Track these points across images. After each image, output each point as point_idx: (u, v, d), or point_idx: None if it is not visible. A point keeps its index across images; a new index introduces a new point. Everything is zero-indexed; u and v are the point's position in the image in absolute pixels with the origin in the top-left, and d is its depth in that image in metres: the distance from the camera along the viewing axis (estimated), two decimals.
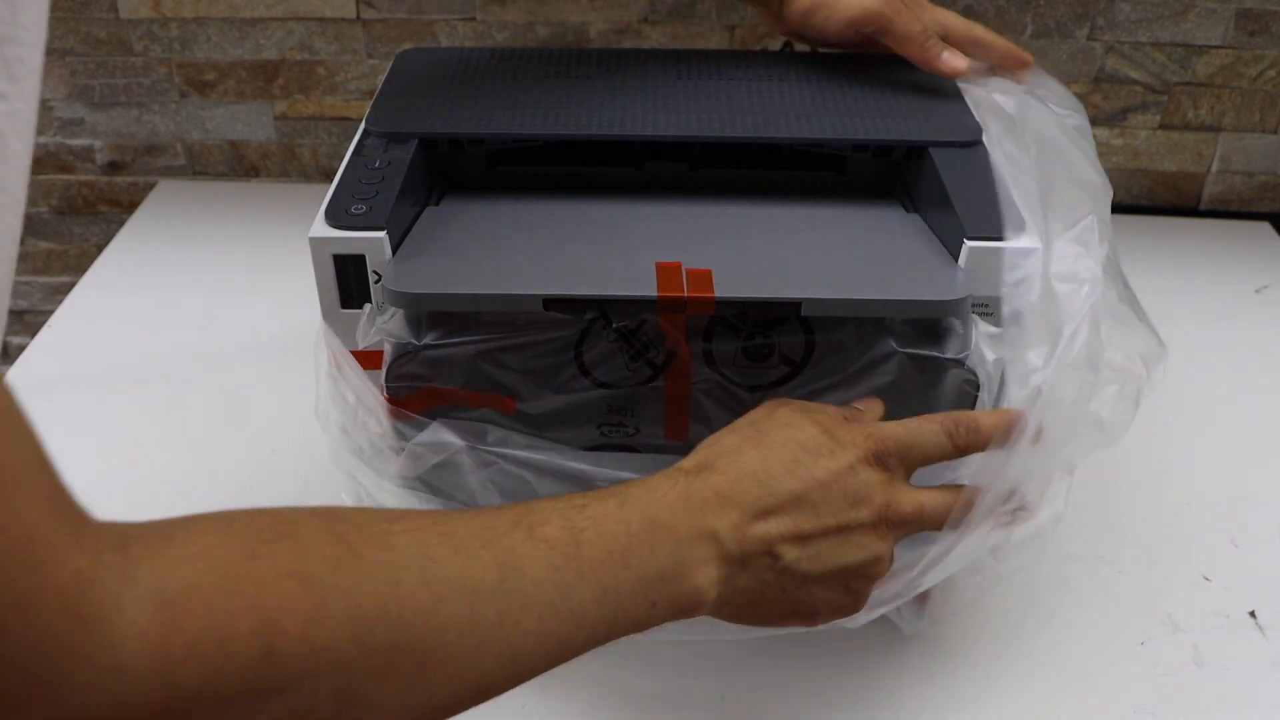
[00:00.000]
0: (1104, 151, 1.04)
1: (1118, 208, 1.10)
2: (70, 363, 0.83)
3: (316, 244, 0.53)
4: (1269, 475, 0.74)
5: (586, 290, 0.50)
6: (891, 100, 0.63)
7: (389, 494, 0.55)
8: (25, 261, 1.15)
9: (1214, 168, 1.04)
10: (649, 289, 0.50)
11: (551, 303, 0.50)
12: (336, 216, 0.53)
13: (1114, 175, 1.05)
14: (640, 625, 0.41)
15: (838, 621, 0.48)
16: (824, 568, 0.45)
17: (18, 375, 0.82)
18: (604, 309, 0.51)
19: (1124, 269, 0.97)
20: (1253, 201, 1.06)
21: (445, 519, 0.38)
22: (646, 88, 0.64)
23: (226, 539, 0.34)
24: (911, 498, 0.47)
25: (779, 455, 0.45)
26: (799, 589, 0.45)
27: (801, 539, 0.44)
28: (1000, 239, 0.52)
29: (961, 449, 0.49)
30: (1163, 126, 1.02)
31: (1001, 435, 0.48)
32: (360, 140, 0.60)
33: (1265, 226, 1.04)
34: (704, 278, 0.50)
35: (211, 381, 0.82)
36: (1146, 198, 1.07)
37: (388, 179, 0.55)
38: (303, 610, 0.33)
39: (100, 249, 1.00)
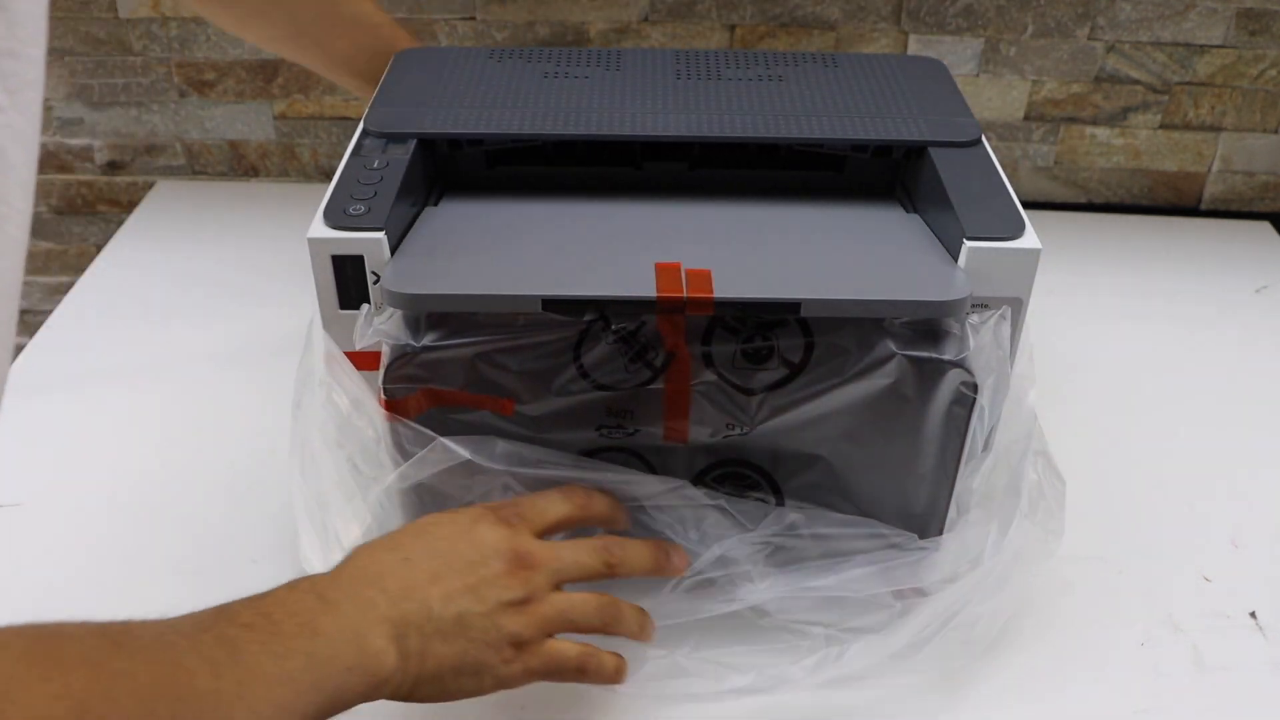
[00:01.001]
0: (1104, 151, 1.03)
1: (1118, 208, 1.11)
2: (69, 363, 0.83)
3: (315, 245, 0.52)
4: (1269, 475, 0.74)
5: (585, 291, 0.50)
6: (891, 100, 0.63)
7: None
8: (25, 261, 1.15)
9: (1214, 167, 1.04)
10: (648, 289, 0.49)
11: (550, 303, 0.50)
12: (335, 217, 0.53)
13: (1114, 175, 1.05)
14: (341, 696, 0.44)
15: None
16: (474, 613, 0.48)
17: (17, 375, 0.82)
18: (603, 310, 0.51)
19: (1124, 269, 0.97)
20: (1253, 201, 1.06)
21: (154, 620, 0.42)
22: (646, 87, 0.64)
23: (17, 637, 0.37)
24: (547, 546, 0.51)
25: (410, 537, 0.50)
26: (460, 644, 0.47)
27: (448, 596, 0.48)
28: (1000, 239, 0.52)
29: (582, 516, 0.54)
30: (1163, 126, 1.02)
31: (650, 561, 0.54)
32: (359, 140, 0.59)
33: (1265, 226, 1.04)
34: (703, 278, 0.50)
35: (210, 382, 0.81)
36: (1146, 198, 1.07)
37: (386, 179, 0.55)
38: (101, 690, 0.36)
39: (99, 249, 1.00)
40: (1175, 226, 1.04)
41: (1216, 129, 1.02)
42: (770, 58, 0.69)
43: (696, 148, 0.62)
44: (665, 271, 0.51)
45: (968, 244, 0.52)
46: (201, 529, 0.68)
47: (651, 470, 0.58)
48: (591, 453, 0.57)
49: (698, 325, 0.52)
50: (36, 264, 1.15)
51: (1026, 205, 1.10)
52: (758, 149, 0.62)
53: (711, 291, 0.49)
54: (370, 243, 0.52)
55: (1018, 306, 0.54)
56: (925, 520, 0.57)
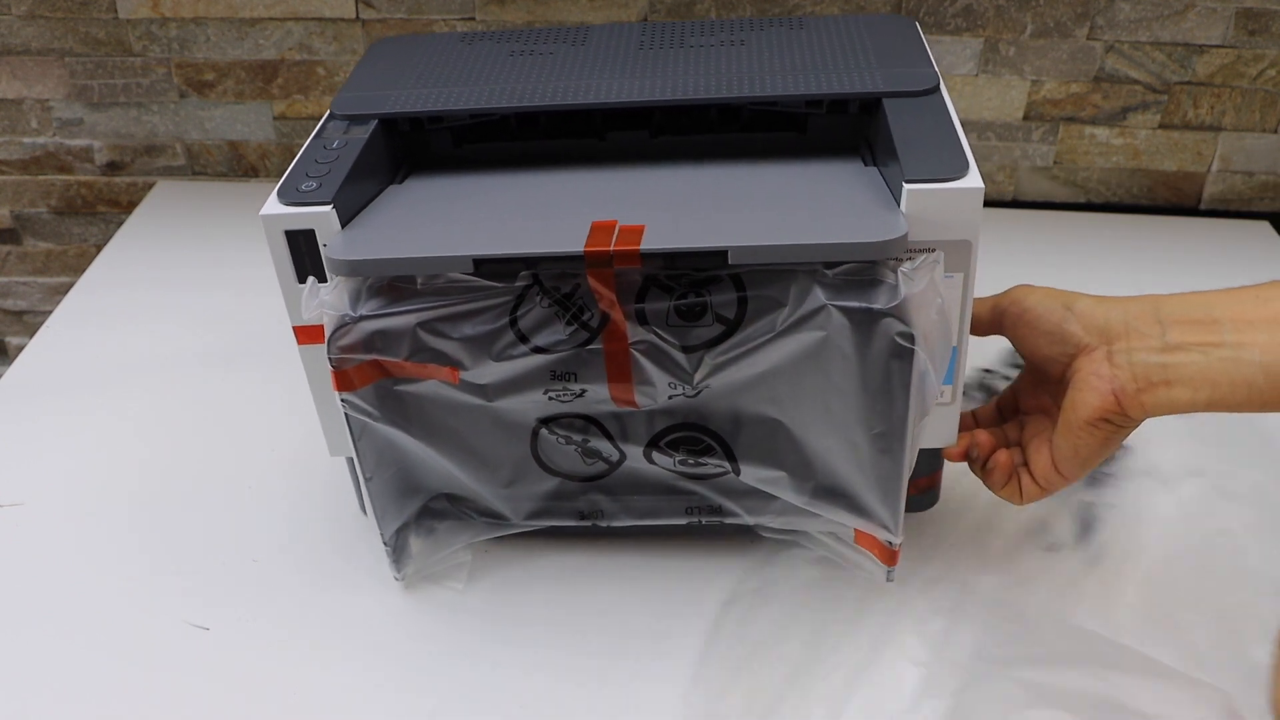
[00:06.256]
0: (1104, 151, 1.04)
1: (1117, 207, 1.11)
2: (69, 363, 0.83)
3: (268, 221, 0.54)
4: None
5: (516, 249, 0.50)
6: (852, 58, 0.62)
7: None
8: (25, 261, 1.15)
9: (1214, 167, 1.04)
10: (578, 246, 0.50)
11: (481, 262, 0.50)
12: (288, 194, 0.54)
13: (1114, 175, 1.05)
14: None
15: None
16: None
17: (17, 375, 0.82)
18: (537, 275, 0.52)
19: (1124, 269, 0.97)
20: (1253, 201, 1.06)
21: None
22: (609, 59, 0.64)
23: None
24: None
25: None
26: None
27: None
28: (940, 180, 0.51)
29: None
30: (1163, 126, 1.02)
31: None
32: (323, 124, 0.61)
33: (1265, 226, 1.04)
34: (634, 233, 0.50)
35: (210, 381, 0.82)
36: (1146, 197, 1.07)
37: (341, 158, 0.57)
38: None
39: (99, 249, 1.00)
40: (1175, 226, 1.04)
41: (1216, 129, 1.02)
42: (737, 24, 0.68)
43: (657, 114, 0.62)
44: (598, 228, 0.51)
45: (907, 187, 0.51)
46: (201, 529, 0.68)
47: (608, 436, 0.58)
48: (547, 419, 0.58)
49: (632, 284, 0.52)
50: (36, 264, 1.15)
51: (1026, 205, 1.09)
52: (719, 113, 0.62)
53: (639, 245, 0.50)
54: (320, 216, 0.53)
55: (966, 250, 0.53)
56: (884, 485, 0.57)
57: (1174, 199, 1.07)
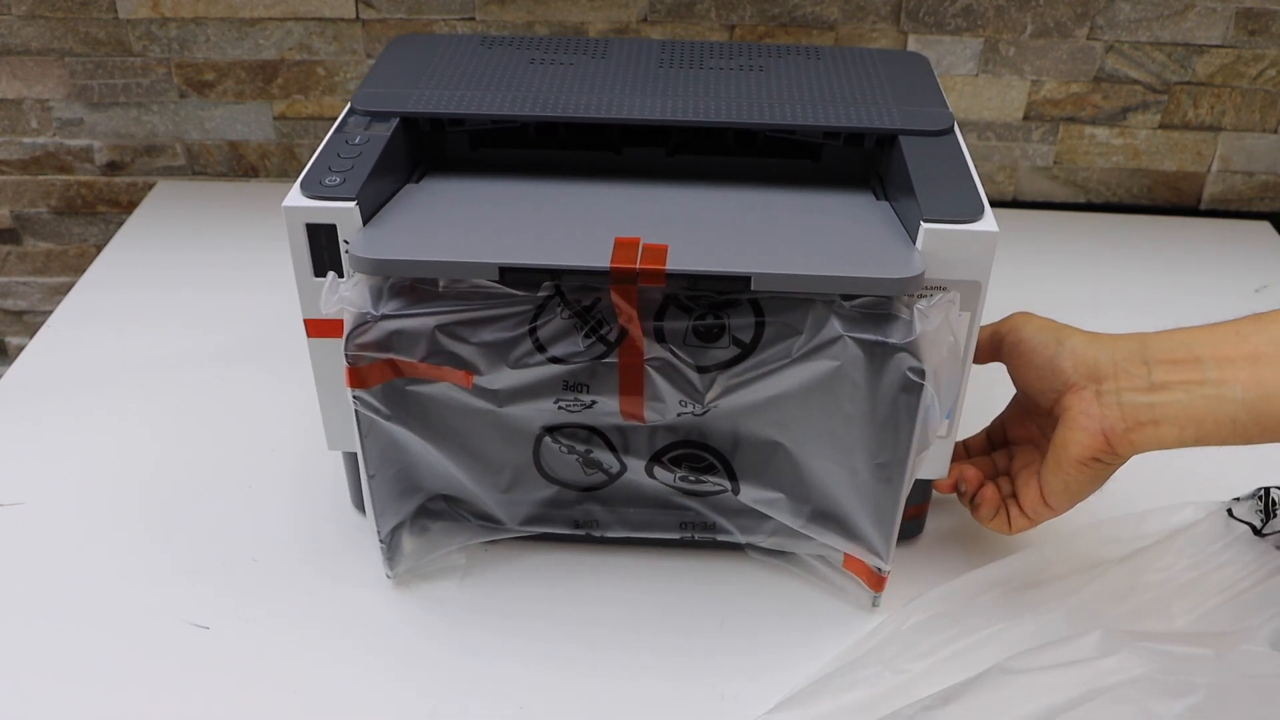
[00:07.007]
0: (1104, 151, 1.04)
1: (1118, 208, 1.11)
2: (69, 363, 0.83)
3: (290, 213, 0.54)
4: (1268, 475, 0.74)
5: (542, 260, 0.51)
6: (869, 92, 0.63)
7: None
8: (25, 261, 1.15)
9: (1214, 167, 1.04)
10: (604, 261, 0.50)
11: (507, 271, 0.51)
12: (311, 187, 0.54)
13: (1114, 175, 1.05)
14: None
15: None
16: None
17: (17, 375, 0.82)
18: (559, 286, 0.52)
19: (1124, 269, 0.98)
20: (1253, 201, 1.06)
21: None
22: (628, 74, 0.64)
23: None
24: None
25: None
26: None
27: None
28: (957, 221, 0.52)
29: None
30: (1163, 126, 1.02)
31: None
32: (344, 118, 0.61)
33: (1265, 226, 1.04)
34: (659, 252, 0.51)
35: (211, 381, 0.82)
36: (1146, 197, 1.07)
37: (365, 154, 0.57)
38: None
39: (99, 249, 1.00)
40: (1175, 226, 1.04)
41: (1216, 129, 1.02)
42: (755, 49, 0.69)
43: (675, 133, 0.62)
44: (623, 245, 0.52)
45: (924, 225, 0.52)
46: (202, 529, 0.68)
47: (610, 448, 0.59)
48: (552, 428, 0.58)
49: (652, 302, 0.52)
50: (36, 264, 1.15)
51: (1026, 205, 1.09)
52: (735, 136, 0.62)
53: (665, 264, 0.50)
54: (343, 212, 0.53)
55: (975, 291, 0.54)
56: (879, 513, 0.58)
57: (1174, 199, 1.07)
